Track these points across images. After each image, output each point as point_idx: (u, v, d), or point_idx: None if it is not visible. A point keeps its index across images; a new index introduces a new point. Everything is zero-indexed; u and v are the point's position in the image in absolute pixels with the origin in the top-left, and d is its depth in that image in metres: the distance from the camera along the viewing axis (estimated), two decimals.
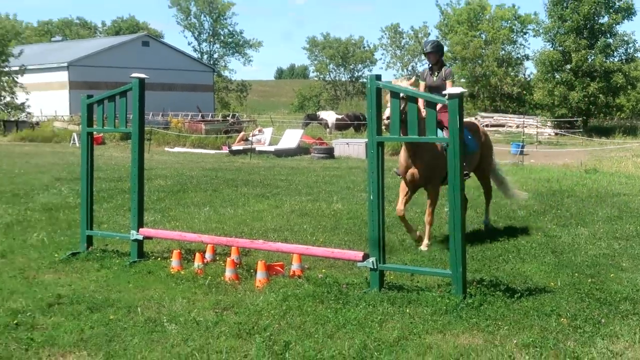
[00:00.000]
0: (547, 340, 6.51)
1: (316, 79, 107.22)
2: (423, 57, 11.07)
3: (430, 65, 11.57)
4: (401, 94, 8.65)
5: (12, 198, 16.05)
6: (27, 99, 59.12)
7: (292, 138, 34.07)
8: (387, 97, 9.43)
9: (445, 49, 75.26)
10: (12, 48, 59.88)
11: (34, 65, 65.20)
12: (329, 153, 30.96)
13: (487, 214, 12.63)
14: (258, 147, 33.23)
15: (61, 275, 9.23)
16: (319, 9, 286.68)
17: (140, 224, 10.03)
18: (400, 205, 10.92)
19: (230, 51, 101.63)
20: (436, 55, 11.46)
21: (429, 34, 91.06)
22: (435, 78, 11.37)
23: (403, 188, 11.06)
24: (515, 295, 7.83)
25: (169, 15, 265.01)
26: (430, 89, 11.26)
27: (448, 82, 11.16)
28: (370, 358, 6.13)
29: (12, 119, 56.62)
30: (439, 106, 9.67)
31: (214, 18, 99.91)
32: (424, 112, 9.78)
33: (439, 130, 10.01)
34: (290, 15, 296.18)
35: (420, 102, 9.98)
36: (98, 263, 9.70)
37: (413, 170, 10.68)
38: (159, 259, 9.86)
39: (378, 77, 8.42)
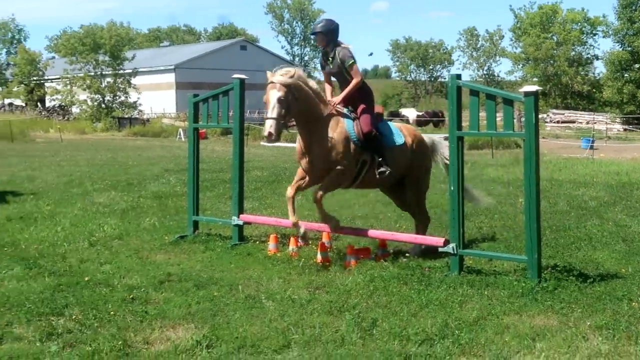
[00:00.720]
0: (620, 323, 6.32)
1: (398, 78, 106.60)
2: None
3: (323, 49, 9.21)
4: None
5: (127, 187, 16.46)
6: (138, 98, 60.50)
7: None
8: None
9: (519, 50, 74.27)
10: (126, 53, 61.33)
11: (144, 67, 66.71)
12: None
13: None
14: None
15: (171, 255, 9.42)
16: (401, 14, 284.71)
17: (241, 210, 10.16)
18: (291, 190, 8.99)
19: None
20: (324, 36, 9.00)
21: (503, 36, 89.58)
22: (331, 65, 9.06)
23: (299, 173, 9.16)
24: (588, 281, 7.62)
25: (265, 21, 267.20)
26: (330, 76, 9.32)
27: (354, 67, 8.91)
28: (451, 336, 6.07)
29: (126, 116, 58.10)
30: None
31: (305, 24, 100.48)
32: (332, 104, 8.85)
33: (349, 121, 8.82)
34: (373, 21, 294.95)
35: (328, 93, 9.15)
36: (203, 245, 9.86)
37: (306, 160, 8.86)
38: (257, 242, 9.96)
39: (458, 77, 8.31)
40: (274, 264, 8.75)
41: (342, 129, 8.72)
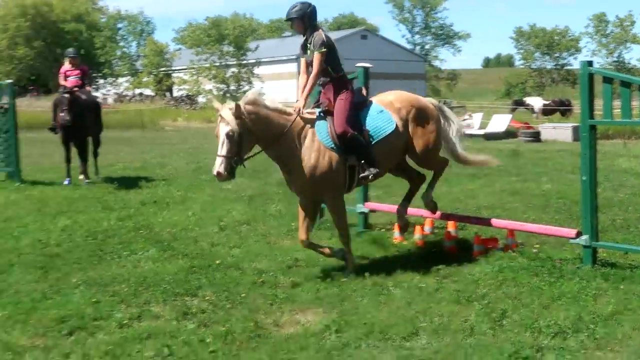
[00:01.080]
0: None
1: (522, 66, 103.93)
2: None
3: (304, 36, 8.26)
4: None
5: (252, 174, 16.71)
6: (262, 87, 61.50)
7: (500, 123, 33.20)
8: None
9: None
10: (249, 43, 62.56)
11: (267, 58, 67.79)
12: (536, 137, 29.84)
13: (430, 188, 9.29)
14: (468, 131, 32.63)
15: (297, 241, 9.55)
16: (525, 1, 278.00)
17: (366, 198, 10.22)
18: (301, 234, 8.13)
19: (441, 42, 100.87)
20: (301, 22, 8.10)
21: (634, 22, 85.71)
22: (309, 52, 8.15)
23: (300, 211, 8.25)
24: None
25: (385, 10, 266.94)
26: (309, 65, 8.24)
27: (315, 55, 7.96)
28: (586, 329, 5.90)
29: None
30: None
31: (426, 12, 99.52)
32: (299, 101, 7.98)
33: (322, 129, 7.84)
34: (497, 8, 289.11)
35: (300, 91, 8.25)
36: (329, 232, 9.94)
37: (294, 183, 8.09)
38: (382, 230, 9.99)
39: (590, 64, 8.03)
40: (400, 251, 8.75)
41: (318, 144, 7.79)
